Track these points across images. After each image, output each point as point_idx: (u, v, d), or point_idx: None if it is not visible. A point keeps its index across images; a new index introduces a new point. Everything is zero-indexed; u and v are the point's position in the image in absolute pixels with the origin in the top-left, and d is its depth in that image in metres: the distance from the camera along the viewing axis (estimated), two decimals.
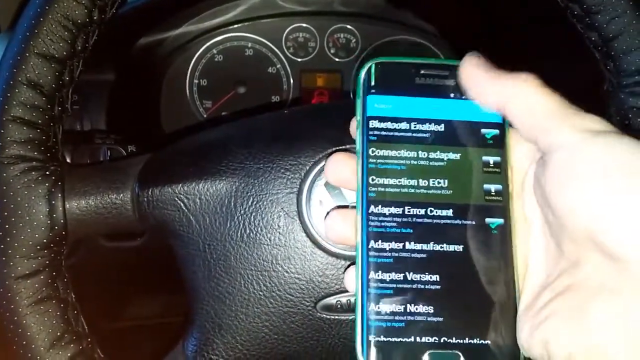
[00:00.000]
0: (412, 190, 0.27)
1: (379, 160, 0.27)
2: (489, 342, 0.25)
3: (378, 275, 0.26)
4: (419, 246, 0.26)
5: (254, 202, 0.35)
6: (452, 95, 0.28)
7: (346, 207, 0.34)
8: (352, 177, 0.28)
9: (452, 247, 0.26)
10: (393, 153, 0.27)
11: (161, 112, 0.74)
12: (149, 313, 0.74)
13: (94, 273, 0.51)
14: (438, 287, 0.26)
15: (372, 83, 0.28)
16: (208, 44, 0.73)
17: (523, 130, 0.26)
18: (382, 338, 0.25)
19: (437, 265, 0.26)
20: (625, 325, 0.22)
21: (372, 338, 0.25)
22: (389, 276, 0.26)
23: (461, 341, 0.25)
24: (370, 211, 0.27)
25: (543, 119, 0.24)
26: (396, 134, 0.27)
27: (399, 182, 0.27)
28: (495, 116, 0.27)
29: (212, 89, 0.74)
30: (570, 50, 0.42)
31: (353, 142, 0.28)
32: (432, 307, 0.25)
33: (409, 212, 0.27)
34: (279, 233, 0.35)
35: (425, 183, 0.27)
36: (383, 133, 0.27)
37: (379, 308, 0.25)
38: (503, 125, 0.28)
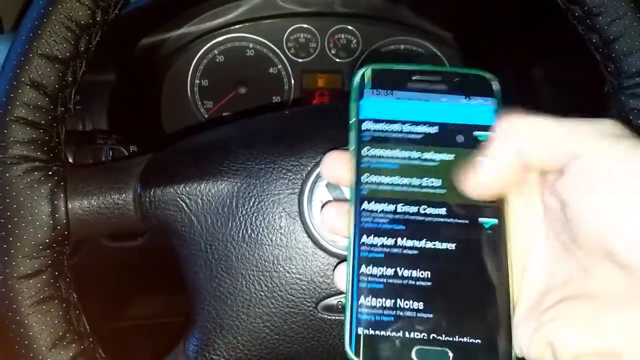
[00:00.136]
0: (405, 189, 0.27)
1: (372, 159, 0.27)
2: (479, 341, 0.25)
3: (369, 270, 0.26)
4: (410, 243, 0.26)
5: (256, 203, 0.35)
6: (444, 99, 0.28)
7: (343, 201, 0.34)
8: (347, 174, 0.28)
9: (444, 245, 0.26)
10: (386, 153, 0.28)
11: (162, 113, 0.74)
12: (150, 313, 0.74)
13: (95, 273, 0.51)
14: (429, 284, 0.26)
15: (366, 87, 0.29)
16: (209, 44, 0.73)
17: (539, 151, 0.25)
18: (371, 332, 0.25)
19: (429, 263, 0.26)
20: (638, 333, 0.22)
21: (360, 331, 0.25)
22: (380, 271, 0.26)
23: (450, 339, 0.25)
24: (362, 207, 0.27)
25: (558, 132, 0.24)
26: (390, 135, 0.28)
27: (392, 180, 0.27)
28: (488, 119, 0.28)
29: (213, 89, 0.74)
30: (571, 51, 0.42)
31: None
32: (422, 304, 0.26)
33: (401, 209, 0.27)
34: (281, 233, 0.35)
35: (418, 182, 0.27)
36: (376, 134, 0.28)
37: (368, 302, 0.26)
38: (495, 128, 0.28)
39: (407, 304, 0.26)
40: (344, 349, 0.25)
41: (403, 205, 0.27)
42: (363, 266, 0.26)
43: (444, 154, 0.27)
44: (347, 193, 0.34)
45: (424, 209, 0.27)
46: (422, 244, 0.26)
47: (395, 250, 0.26)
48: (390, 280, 0.26)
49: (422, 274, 0.26)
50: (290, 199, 0.35)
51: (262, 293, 0.35)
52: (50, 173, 0.33)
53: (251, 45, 0.74)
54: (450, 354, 0.25)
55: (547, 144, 0.24)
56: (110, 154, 0.51)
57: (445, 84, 0.28)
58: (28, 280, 0.31)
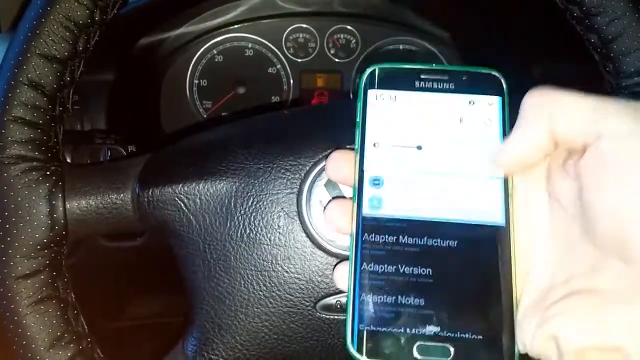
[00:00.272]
0: None
1: (376, 159, 0.28)
2: (481, 336, 0.25)
3: (371, 267, 0.26)
4: (413, 240, 0.27)
5: (254, 202, 0.35)
6: (452, 97, 0.28)
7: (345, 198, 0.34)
8: (351, 174, 0.28)
9: (447, 242, 0.26)
10: (391, 152, 0.28)
11: (161, 112, 0.74)
12: (148, 313, 0.74)
13: (94, 273, 0.51)
14: (431, 280, 0.26)
15: (373, 87, 0.29)
16: (208, 44, 0.73)
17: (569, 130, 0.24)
18: (372, 327, 0.25)
19: (431, 259, 0.26)
20: None
21: (362, 327, 0.25)
22: (382, 268, 0.26)
23: (452, 334, 0.25)
24: (365, 205, 0.27)
25: (583, 108, 0.23)
26: (394, 134, 0.28)
27: None
28: (492, 113, 0.28)
29: (212, 89, 0.74)
30: (570, 51, 0.42)
31: (353, 142, 0.29)
32: (424, 300, 0.26)
33: None
34: (279, 233, 0.35)
35: None
36: (381, 134, 0.28)
37: (370, 298, 0.26)
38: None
39: (409, 300, 0.26)
40: (346, 346, 0.25)
41: None
42: (365, 263, 0.26)
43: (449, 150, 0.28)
44: (347, 193, 0.35)
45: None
46: (424, 240, 0.27)
47: (397, 247, 0.26)
48: (392, 277, 0.26)
49: (424, 271, 0.26)
50: (288, 198, 0.35)
51: (260, 293, 0.35)
52: (48, 173, 0.32)
53: (250, 45, 0.74)
54: (452, 350, 0.25)
55: (574, 120, 0.24)
56: (109, 153, 0.51)
57: (453, 82, 0.28)
58: (26, 280, 0.31)
